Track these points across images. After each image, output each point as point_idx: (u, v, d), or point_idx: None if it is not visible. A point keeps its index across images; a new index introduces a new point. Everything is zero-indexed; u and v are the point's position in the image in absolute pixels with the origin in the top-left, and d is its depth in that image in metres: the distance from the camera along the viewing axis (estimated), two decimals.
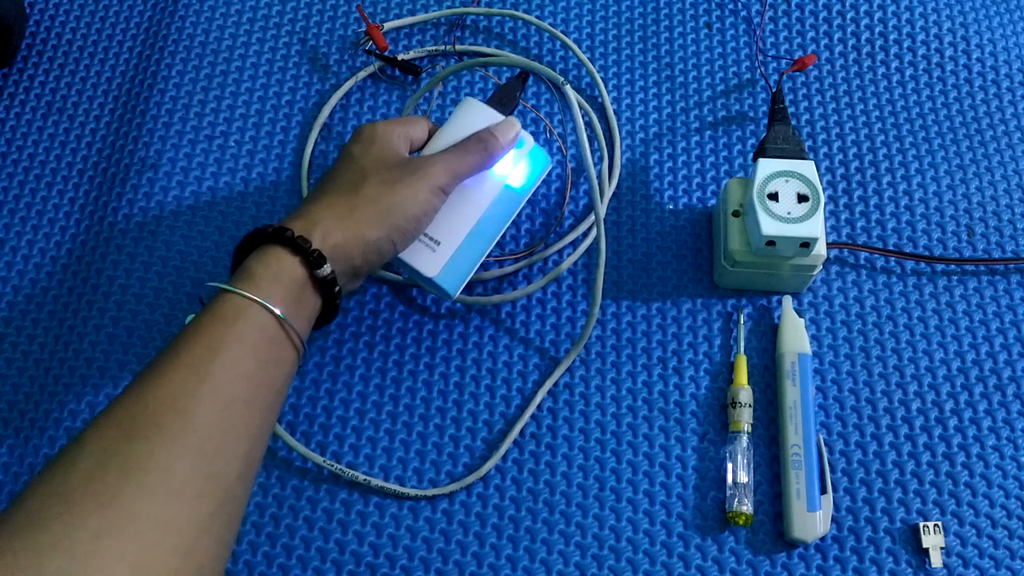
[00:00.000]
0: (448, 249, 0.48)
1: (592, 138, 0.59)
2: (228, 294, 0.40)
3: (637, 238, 0.57)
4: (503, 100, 0.52)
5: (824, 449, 0.50)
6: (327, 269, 0.42)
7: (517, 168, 0.51)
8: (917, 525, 0.48)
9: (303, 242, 0.42)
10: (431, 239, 0.48)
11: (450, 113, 0.52)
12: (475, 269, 0.50)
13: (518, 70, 0.54)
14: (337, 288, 0.43)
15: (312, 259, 0.42)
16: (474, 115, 0.50)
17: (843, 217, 0.58)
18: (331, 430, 0.51)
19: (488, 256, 0.55)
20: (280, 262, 0.41)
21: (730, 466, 0.49)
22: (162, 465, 0.35)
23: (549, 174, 0.59)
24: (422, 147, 0.50)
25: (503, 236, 0.56)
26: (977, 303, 0.55)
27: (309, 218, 0.43)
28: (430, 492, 0.49)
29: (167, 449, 0.35)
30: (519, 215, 0.57)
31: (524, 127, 0.60)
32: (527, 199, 0.53)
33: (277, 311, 0.40)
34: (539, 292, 0.55)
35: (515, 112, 0.52)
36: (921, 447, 0.51)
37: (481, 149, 0.48)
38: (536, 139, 0.53)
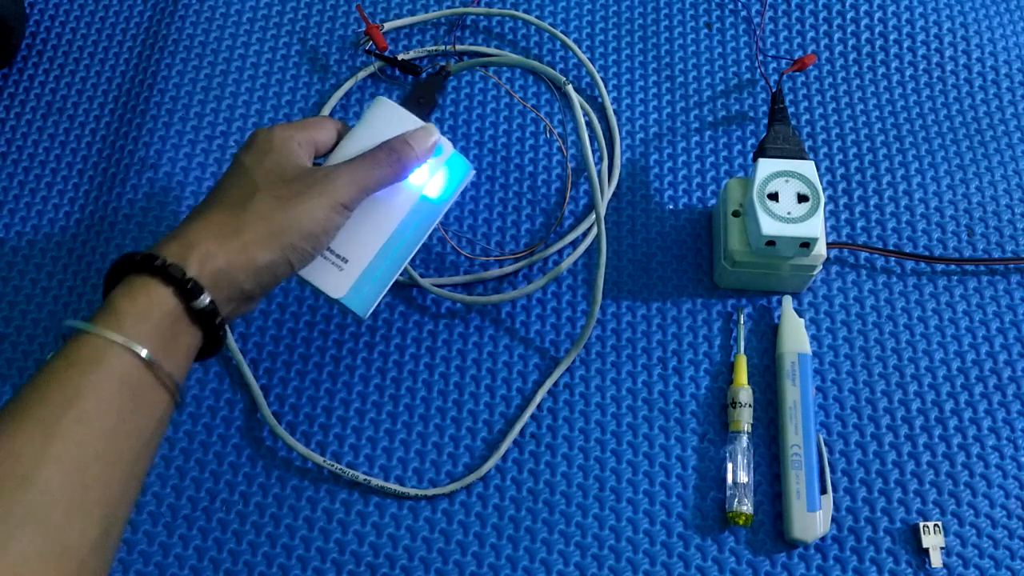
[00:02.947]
0: (357, 268, 0.44)
1: (592, 138, 0.59)
2: (87, 335, 0.35)
3: (637, 238, 0.57)
4: (421, 100, 0.47)
5: (824, 449, 0.50)
6: (205, 299, 0.37)
7: (435, 177, 0.46)
8: (917, 525, 0.48)
9: (175, 271, 0.36)
10: (338, 256, 0.44)
11: (363, 111, 0.47)
12: (388, 287, 0.46)
13: (439, 66, 0.49)
14: (219, 319, 0.38)
15: (186, 290, 0.37)
16: (387, 118, 0.45)
17: (843, 217, 0.58)
18: (331, 430, 0.51)
19: (402, 275, 0.51)
20: (149, 294, 0.36)
21: (730, 466, 0.49)
22: None
23: (548, 173, 0.59)
24: (329, 151, 0.45)
25: (423, 250, 0.52)
26: (977, 303, 0.55)
27: (184, 240, 0.38)
28: (430, 492, 0.49)
29: (4, 519, 0.31)
30: (514, 219, 0.57)
31: (523, 127, 0.60)
32: (446, 211, 0.48)
33: (143, 353, 0.35)
34: (539, 292, 0.55)
35: (433, 113, 0.47)
36: (921, 447, 0.51)
37: (393, 160, 0.43)
38: (536, 139, 0.52)
